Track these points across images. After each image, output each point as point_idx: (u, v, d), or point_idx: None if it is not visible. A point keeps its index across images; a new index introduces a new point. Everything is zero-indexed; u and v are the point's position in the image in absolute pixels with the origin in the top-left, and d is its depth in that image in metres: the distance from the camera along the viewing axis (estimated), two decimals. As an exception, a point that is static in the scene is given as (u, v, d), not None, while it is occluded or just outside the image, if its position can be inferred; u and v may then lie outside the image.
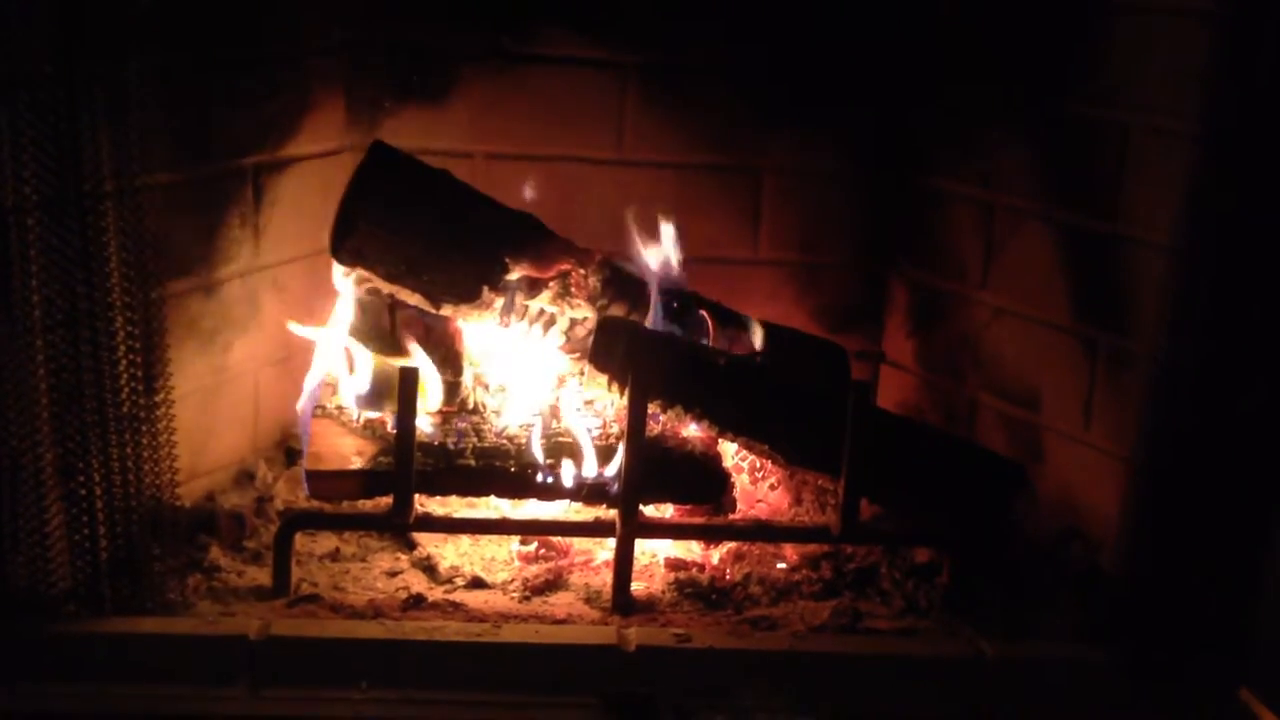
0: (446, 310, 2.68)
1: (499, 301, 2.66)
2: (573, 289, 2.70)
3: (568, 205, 2.88)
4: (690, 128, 3.01)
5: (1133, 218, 2.50)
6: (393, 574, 2.48)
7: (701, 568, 2.56)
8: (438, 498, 2.61)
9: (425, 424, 2.61)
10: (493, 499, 2.63)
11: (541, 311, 2.71)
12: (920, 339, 3.08)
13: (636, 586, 2.44)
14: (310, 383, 2.64)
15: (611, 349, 2.54)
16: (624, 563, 2.39)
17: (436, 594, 2.40)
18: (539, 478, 2.59)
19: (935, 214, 3.00)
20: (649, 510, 2.54)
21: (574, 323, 2.72)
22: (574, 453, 2.62)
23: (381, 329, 2.71)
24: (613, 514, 2.43)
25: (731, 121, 3.01)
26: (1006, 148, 2.79)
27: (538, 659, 2.19)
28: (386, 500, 2.40)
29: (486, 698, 2.14)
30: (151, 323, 2.16)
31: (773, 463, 2.72)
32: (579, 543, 2.58)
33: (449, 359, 2.74)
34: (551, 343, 2.73)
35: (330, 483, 2.57)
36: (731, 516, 2.67)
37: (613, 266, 2.75)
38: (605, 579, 2.44)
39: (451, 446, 2.60)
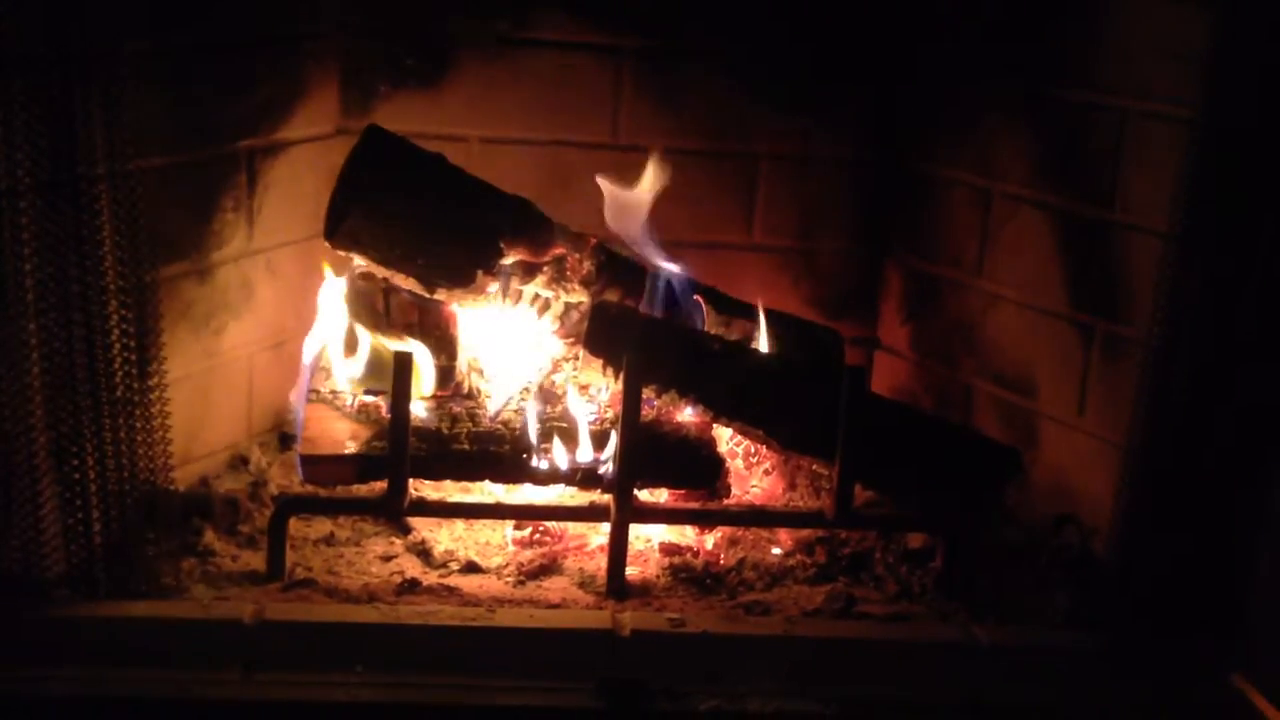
0: (441, 295, 2.68)
1: (494, 286, 2.66)
2: (567, 273, 2.70)
3: (562, 190, 2.87)
4: (685, 113, 3.00)
5: (1129, 204, 2.50)
6: (387, 558, 2.48)
7: (696, 553, 2.56)
8: (432, 482, 2.61)
9: (420, 409, 2.61)
10: (487, 484, 2.63)
11: (536, 296, 2.71)
12: (915, 325, 3.09)
13: (631, 571, 2.44)
14: (302, 365, 2.64)
15: (606, 334, 2.54)
16: (618, 547, 2.39)
17: (431, 578, 2.40)
18: (533, 462, 2.59)
19: (931, 200, 3.00)
20: (643, 495, 2.54)
21: (569, 307, 2.72)
22: (569, 437, 2.62)
23: (376, 314, 2.71)
24: (607, 499, 2.43)
25: (727, 107, 3.00)
26: (1003, 134, 2.79)
27: (532, 643, 2.19)
28: (381, 485, 2.40)
29: (481, 682, 2.14)
30: (145, 307, 2.15)
31: (767, 448, 2.72)
32: (573, 527, 2.58)
33: (443, 343, 2.74)
34: (546, 327, 2.73)
35: (325, 467, 2.57)
36: (726, 501, 2.67)
37: (607, 251, 2.75)
38: (600, 564, 2.45)
39: (446, 431, 2.60)
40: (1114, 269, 2.54)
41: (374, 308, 2.72)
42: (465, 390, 2.74)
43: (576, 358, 2.63)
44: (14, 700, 2.04)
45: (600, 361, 2.54)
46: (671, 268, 2.75)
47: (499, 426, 2.62)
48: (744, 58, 2.99)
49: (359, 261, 2.67)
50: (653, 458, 2.53)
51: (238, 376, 2.74)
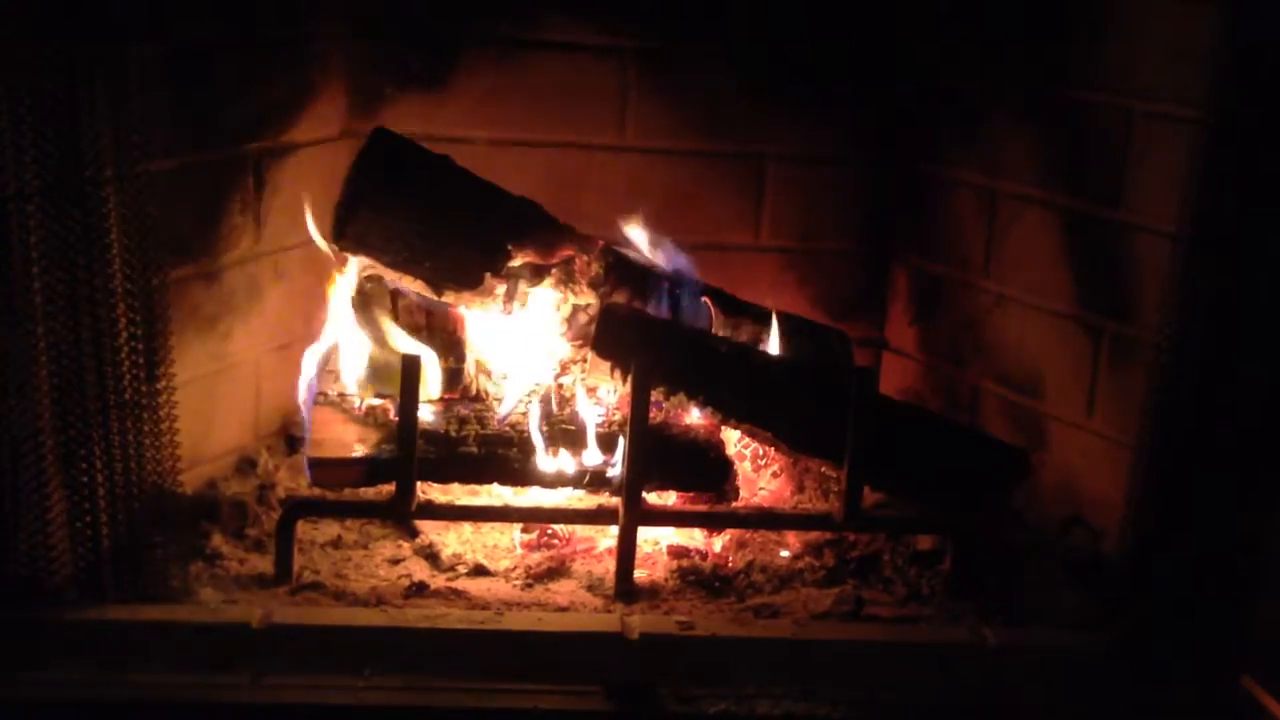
0: (449, 297, 2.68)
1: (501, 288, 2.66)
2: (576, 275, 2.69)
3: (569, 192, 2.87)
4: (692, 114, 3.00)
5: (1136, 204, 2.49)
6: (395, 562, 2.48)
7: (704, 555, 2.56)
8: (440, 485, 2.61)
9: (427, 411, 2.60)
10: (495, 486, 2.63)
11: (543, 298, 2.71)
12: (923, 326, 3.08)
13: (639, 574, 2.44)
14: (309, 369, 2.63)
15: (614, 336, 2.53)
16: (627, 550, 2.39)
17: (439, 581, 2.40)
18: (540, 464, 2.59)
19: (938, 200, 3.00)
20: (651, 498, 2.54)
21: (577, 309, 2.72)
22: (577, 440, 2.61)
23: (383, 316, 2.71)
24: (615, 501, 2.43)
25: (734, 107, 3.00)
26: (1009, 134, 2.79)
27: (540, 647, 2.19)
28: (389, 488, 2.40)
29: (488, 685, 2.13)
30: (153, 309, 2.15)
31: (775, 450, 2.71)
32: (581, 530, 2.58)
33: (451, 346, 2.73)
34: (554, 329, 2.73)
35: (332, 470, 2.57)
36: (734, 504, 2.67)
37: (615, 253, 2.74)
38: (608, 566, 2.44)
39: (454, 434, 2.60)
40: (1121, 270, 2.53)
41: (381, 310, 2.71)
42: (473, 393, 2.73)
43: (585, 360, 2.63)
44: (21, 703, 2.04)
45: (608, 364, 2.54)
46: (682, 265, 2.75)
47: (507, 429, 2.62)
48: (751, 58, 2.98)
49: (366, 263, 2.66)
50: (661, 460, 2.53)
51: (245, 379, 2.74)
